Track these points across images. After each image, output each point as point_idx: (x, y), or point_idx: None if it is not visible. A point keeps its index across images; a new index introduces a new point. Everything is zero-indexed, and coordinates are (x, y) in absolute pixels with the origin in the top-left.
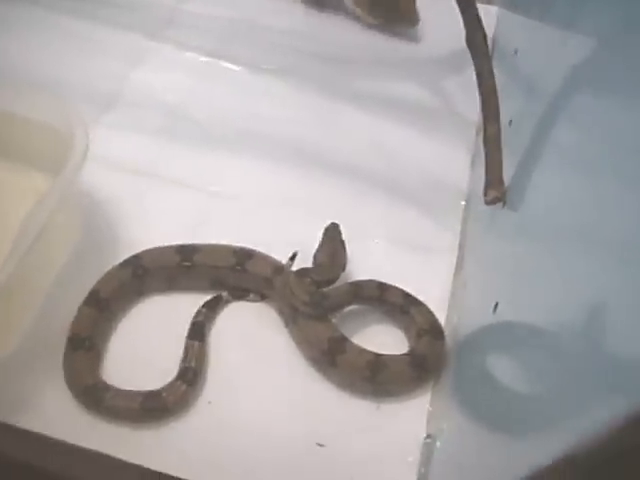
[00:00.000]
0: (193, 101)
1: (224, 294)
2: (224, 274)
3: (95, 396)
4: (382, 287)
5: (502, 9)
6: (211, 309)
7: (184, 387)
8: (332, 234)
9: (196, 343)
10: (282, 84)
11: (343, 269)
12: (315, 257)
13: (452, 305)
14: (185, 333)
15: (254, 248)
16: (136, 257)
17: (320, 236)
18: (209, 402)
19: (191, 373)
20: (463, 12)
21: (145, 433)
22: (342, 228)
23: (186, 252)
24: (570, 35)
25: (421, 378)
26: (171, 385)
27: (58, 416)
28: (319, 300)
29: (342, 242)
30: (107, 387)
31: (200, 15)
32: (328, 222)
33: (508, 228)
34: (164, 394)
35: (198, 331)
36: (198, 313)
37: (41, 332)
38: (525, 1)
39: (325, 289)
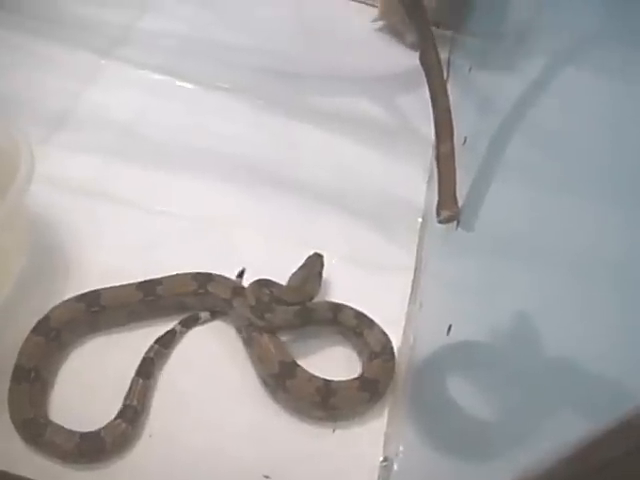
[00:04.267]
0: (146, 120)
1: (177, 327)
2: (188, 299)
3: (34, 430)
4: (335, 309)
5: (456, 33)
6: (163, 345)
7: (123, 426)
8: (312, 264)
9: (140, 380)
10: (236, 102)
11: (309, 299)
12: (289, 278)
13: (408, 325)
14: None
15: (207, 268)
16: (95, 293)
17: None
18: (150, 435)
19: (131, 411)
20: (417, 31)
21: (87, 467)
22: (296, 247)
23: (148, 287)
24: (522, 54)
25: (372, 401)
26: (110, 424)
27: (2, 449)
28: (263, 309)
29: (319, 274)
30: (48, 422)
31: (154, 33)
32: (283, 242)
33: (463, 247)
34: (102, 434)
35: (146, 368)
36: (150, 349)
37: None
38: (478, 24)
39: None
